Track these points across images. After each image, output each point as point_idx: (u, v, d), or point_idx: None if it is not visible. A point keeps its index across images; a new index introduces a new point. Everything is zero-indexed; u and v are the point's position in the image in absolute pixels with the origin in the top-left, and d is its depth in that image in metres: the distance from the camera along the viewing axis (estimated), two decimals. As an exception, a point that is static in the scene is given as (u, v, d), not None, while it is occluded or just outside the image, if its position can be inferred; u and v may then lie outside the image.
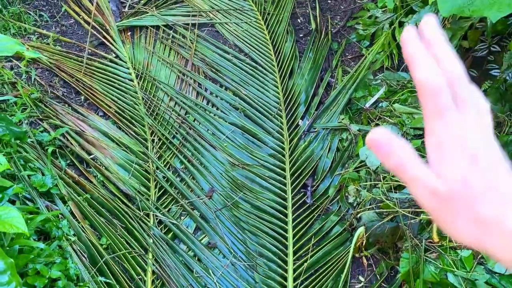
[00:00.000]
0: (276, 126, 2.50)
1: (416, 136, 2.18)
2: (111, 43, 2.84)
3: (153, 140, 2.38)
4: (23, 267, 1.51)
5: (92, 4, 2.97)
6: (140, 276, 1.86)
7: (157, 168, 2.26)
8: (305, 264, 1.97)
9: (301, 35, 3.03)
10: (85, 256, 1.82)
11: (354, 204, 2.08)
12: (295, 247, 2.03)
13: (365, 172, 2.13)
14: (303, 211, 2.16)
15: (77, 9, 2.99)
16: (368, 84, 2.59)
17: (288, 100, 2.63)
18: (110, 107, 2.48)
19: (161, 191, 2.18)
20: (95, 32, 2.87)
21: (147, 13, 3.04)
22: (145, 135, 2.39)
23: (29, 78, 2.50)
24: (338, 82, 2.70)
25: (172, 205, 2.14)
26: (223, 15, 3.10)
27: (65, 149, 2.23)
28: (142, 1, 3.12)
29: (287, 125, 2.51)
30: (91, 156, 2.24)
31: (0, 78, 2.40)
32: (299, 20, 3.14)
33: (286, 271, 1.95)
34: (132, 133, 2.38)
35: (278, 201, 2.19)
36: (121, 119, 2.43)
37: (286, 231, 2.08)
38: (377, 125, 2.30)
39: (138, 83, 2.65)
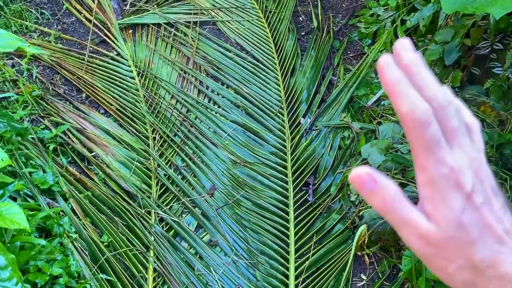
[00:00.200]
0: (277, 124, 2.49)
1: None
2: (112, 41, 2.84)
3: (154, 138, 2.37)
4: (24, 264, 1.51)
5: (94, 2, 2.97)
6: (141, 274, 1.86)
7: (159, 165, 2.25)
8: (307, 262, 1.96)
9: (303, 33, 3.03)
10: (86, 253, 1.82)
11: (356, 202, 2.07)
12: (296, 245, 2.02)
13: (367, 170, 2.13)
14: (304, 209, 2.16)
15: (78, 7, 2.98)
16: (370, 82, 2.58)
17: (290, 98, 2.62)
18: (112, 105, 2.47)
19: (163, 189, 2.18)
20: (96, 30, 2.87)
21: (149, 11, 3.03)
22: (146, 133, 2.39)
23: (30, 75, 2.50)
24: (340, 80, 2.69)
25: (174, 202, 2.13)
26: (225, 13, 3.09)
27: (66, 146, 2.22)
28: (144, -1, 3.11)
29: (288, 123, 2.51)
30: (92, 154, 2.24)
31: (1, 75, 2.40)
32: (301, 18, 3.13)
33: (287, 269, 1.95)
34: (134, 130, 2.38)
35: (279, 199, 2.18)
36: (122, 117, 2.43)
37: (287, 229, 2.08)
38: (379, 123, 2.30)
39: (140, 81, 2.64)
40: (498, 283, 0.32)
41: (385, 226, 1.86)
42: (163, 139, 2.37)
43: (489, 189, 0.33)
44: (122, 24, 2.92)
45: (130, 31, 2.93)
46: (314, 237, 2.05)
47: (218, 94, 2.62)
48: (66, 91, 2.52)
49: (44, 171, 1.99)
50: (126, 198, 2.09)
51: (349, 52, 2.90)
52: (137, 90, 2.59)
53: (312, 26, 3.06)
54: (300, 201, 2.19)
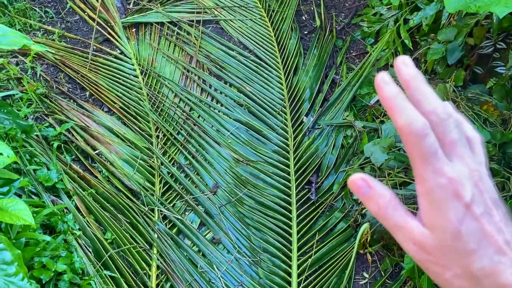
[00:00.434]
0: (280, 123, 2.50)
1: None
2: (116, 40, 2.85)
3: (157, 136, 2.38)
4: (29, 260, 1.52)
5: (97, 1, 2.98)
6: (144, 271, 1.87)
7: (162, 163, 2.26)
8: (309, 260, 1.97)
9: (305, 32, 3.03)
10: (90, 250, 1.83)
11: (359, 201, 2.08)
12: (299, 243, 2.03)
13: (370, 169, 2.13)
14: (307, 208, 2.16)
15: (82, 5, 3.00)
16: (373, 81, 2.58)
17: (293, 97, 2.63)
18: (115, 103, 2.48)
19: (166, 187, 2.19)
20: (100, 29, 2.88)
21: (152, 9, 3.04)
22: (149, 131, 2.40)
23: (34, 73, 2.51)
24: (342, 79, 2.70)
25: (177, 200, 2.14)
26: (228, 12, 3.10)
27: (70, 144, 2.23)
28: (147, -2, 3.12)
29: (291, 121, 2.51)
30: (96, 152, 2.25)
31: (6, 73, 2.41)
32: (303, 17, 3.14)
33: (290, 266, 1.95)
34: (137, 129, 2.39)
35: (282, 197, 2.19)
36: (126, 115, 2.44)
37: (290, 227, 2.08)
38: (382, 122, 2.30)
39: (143, 79, 2.65)
40: None
41: (387, 224, 1.86)
42: (166, 137, 2.38)
43: (489, 200, 0.33)
44: (125, 23, 2.94)
45: (134, 29, 2.94)
46: (317, 235, 2.06)
47: (221, 92, 2.63)
48: (70, 89, 2.53)
49: (48, 169, 2.00)
50: (130, 196, 2.10)
51: (351, 51, 2.90)
52: (141, 88, 2.60)
53: (315, 25, 3.06)
54: (303, 199, 2.19)
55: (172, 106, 2.52)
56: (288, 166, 2.32)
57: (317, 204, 2.17)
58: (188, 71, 2.73)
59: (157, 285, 1.85)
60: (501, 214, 0.33)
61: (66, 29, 2.88)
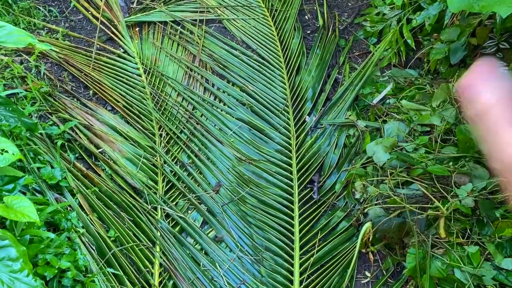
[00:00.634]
0: (283, 122, 2.51)
1: (423, 132, 2.18)
2: (119, 39, 2.86)
3: (160, 135, 2.39)
4: (34, 257, 1.53)
5: (101, 0, 2.99)
6: (147, 269, 1.88)
7: (165, 162, 2.27)
8: (311, 258, 1.97)
9: (308, 32, 3.04)
10: (94, 248, 1.84)
11: (361, 200, 2.08)
12: (301, 242, 2.03)
13: (372, 168, 2.14)
14: (309, 207, 2.17)
15: (86, 4, 3.01)
16: (376, 80, 2.59)
17: (295, 96, 2.64)
18: (118, 102, 2.49)
19: (169, 185, 2.20)
20: (103, 28, 2.89)
21: (155, 8, 3.06)
22: (153, 130, 2.41)
23: (38, 72, 2.53)
24: (345, 78, 2.70)
25: (180, 199, 2.15)
26: (231, 12, 3.11)
27: (74, 142, 2.25)
28: (150, -3, 3.13)
29: (294, 121, 2.52)
30: (100, 150, 2.26)
31: (10, 72, 2.42)
32: (306, 16, 3.14)
33: (292, 265, 1.96)
34: (140, 127, 2.40)
35: (284, 196, 2.20)
36: (129, 114, 2.45)
37: (292, 226, 2.09)
38: (384, 121, 2.31)
39: (146, 78, 2.66)
40: None
41: (389, 223, 1.87)
42: (169, 136, 2.39)
43: None
44: (129, 22, 2.95)
45: (137, 28, 2.96)
46: (319, 234, 2.06)
47: (224, 92, 2.64)
48: (74, 88, 2.55)
49: (52, 167, 2.01)
50: (133, 194, 2.11)
51: (354, 51, 2.91)
52: (144, 87, 2.61)
53: (318, 25, 3.06)
54: (305, 198, 2.20)
55: (175, 105, 2.53)
56: (290, 165, 2.32)
57: (319, 203, 2.18)
58: (191, 70, 2.74)
59: (160, 282, 1.86)
60: None
61: (70, 28, 2.89)
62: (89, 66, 2.63)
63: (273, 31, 3.01)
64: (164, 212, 2.08)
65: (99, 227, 1.92)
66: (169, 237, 1.98)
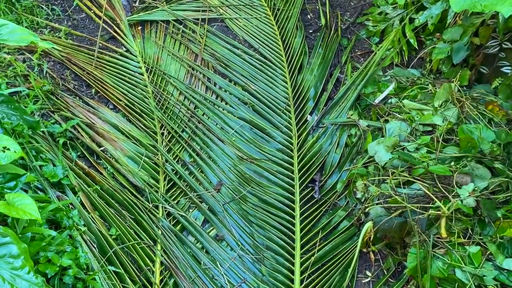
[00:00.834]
0: (284, 121, 2.51)
1: (425, 132, 2.18)
2: (121, 37, 2.87)
3: (162, 134, 2.40)
4: (35, 254, 1.53)
5: (104, -1, 3.00)
6: (148, 267, 1.88)
7: (166, 161, 2.28)
8: (312, 258, 1.97)
9: (310, 31, 3.03)
10: (95, 246, 1.85)
11: (362, 199, 2.08)
12: (302, 241, 2.03)
13: (374, 168, 2.13)
14: (310, 206, 2.17)
15: (88, 3, 3.02)
16: (378, 80, 2.58)
17: (297, 95, 2.63)
18: (120, 100, 2.50)
19: (170, 184, 2.20)
20: (106, 26, 2.90)
21: (158, 7, 3.06)
22: (154, 129, 2.41)
23: (41, 71, 2.53)
24: (347, 78, 2.70)
25: (181, 197, 2.16)
26: (233, 11, 3.11)
27: (76, 141, 2.25)
28: (153, -4, 3.14)
29: (295, 120, 2.52)
30: (101, 148, 2.26)
31: (13, 70, 2.43)
32: (308, 16, 3.14)
33: (293, 264, 1.96)
34: (142, 126, 2.40)
35: (285, 195, 2.20)
36: (131, 112, 2.45)
37: (293, 225, 2.09)
38: (386, 121, 2.30)
39: (148, 77, 2.67)
40: None
41: (390, 223, 1.87)
42: (171, 134, 2.40)
43: None
44: (131, 21, 2.95)
45: (139, 27, 2.96)
46: (320, 234, 2.06)
47: (225, 91, 2.64)
48: (76, 86, 2.56)
49: (54, 165, 2.02)
50: (134, 193, 2.12)
51: (356, 50, 2.90)
52: (146, 86, 2.62)
53: (320, 24, 3.06)
54: (306, 197, 2.20)
55: (177, 104, 2.54)
56: (292, 164, 2.32)
57: (320, 203, 2.18)
58: (193, 69, 2.74)
59: (161, 281, 1.86)
60: None
61: (72, 27, 2.90)
62: (92, 65, 2.64)
63: (275, 30, 3.01)
64: (166, 211, 2.08)
65: (100, 225, 1.93)
66: (170, 236, 1.99)
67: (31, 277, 1.17)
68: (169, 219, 2.06)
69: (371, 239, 1.93)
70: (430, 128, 2.18)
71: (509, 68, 2.25)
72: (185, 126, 2.44)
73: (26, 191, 1.82)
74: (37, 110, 2.29)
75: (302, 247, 2.02)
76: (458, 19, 2.43)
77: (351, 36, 2.98)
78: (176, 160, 2.30)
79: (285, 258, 1.98)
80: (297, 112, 2.56)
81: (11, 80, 2.40)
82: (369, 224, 1.91)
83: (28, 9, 2.87)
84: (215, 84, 2.67)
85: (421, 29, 2.70)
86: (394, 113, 2.31)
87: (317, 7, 3.17)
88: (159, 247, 1.95)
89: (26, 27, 2.77)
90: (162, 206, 2.09)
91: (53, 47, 2.59)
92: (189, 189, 2.18)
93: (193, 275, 1.88)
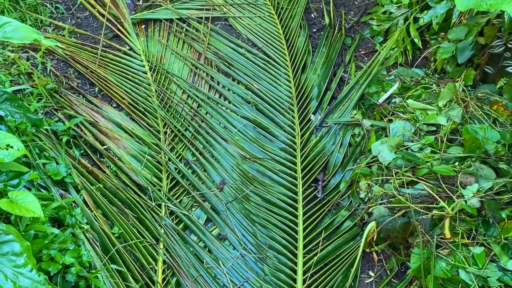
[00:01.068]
0: (287, 121, 2.50)
1: (429, 132, 2.16)
2: (125, 36, 2.87)
3: (165, 132, 2.40)
4: (38, 252, 1.54)
5: (107, -3, 3.00)
6: (151, 265, 1.88)
7: (169, 159, 2.27)
8: (315, 257, 1.97)
9: (314, 30, 3.03)
10: (97, 244, 1.85)
11: (365, 199, 2.07)
12: (305, 241, 2.03)
13: (377, 168, 2.12)
14: (313, 205, 2.16)
15: (92, 1, 3.02)
16: (382, 79, 2.57)
17: (300, 94, 2.63)
18: (124, 99, 2.50)
19: (173, 183, 2.20)
20: (109, 25, 2.90)
21: (161, 6, 3.06)
22: (157, 127, 2.41)
23: (44, 69, 2.54)
24: (351, 77, 2.69)
25: (184, 196, 2.15)
26: (237, 9, 3.10)
27: (79, 139, 2.26)
28: (157, -5, 3.14)
29: (299, 119, 2.51)
30: (105, 147, 2.27)
31: (16, 68, 2.44)
32: (312, 15, 3.13)
33: (295, 264, 1.96)
34: (145, 124, 2.40)
35: (288, 194, 2.19)
36: (134, 111, 2.45)
37: (296, 224, 2.09)
38: (390, 121, 2.29)
39: (152, 75, 2.67)
40: None
41: (394, 223, 1.86)
42: (174, 133, 2.40)
43: None
44: (135, 19, 2.95)
45: (143, 26, 2.96)
46: (323, 233, 2.05)
47: (229, 89, 2.63)
48: (79, 85, 2.56)
49: (57, 163, 2.02)
50: (137, 191, 2.12)
51: (360, 50, 2.89)
52: (149, 84, 2.61)
53: (324, 23, 3.05)
54: (309, 197, 2.19)
55: (180, 102, 2.53)
56: (295, 164, 2.32)
57: (323, 202, 2.17)
58: (196, 68, 2.74)
59: (163, 279, 1.86)
60: None
61: (76, 25, 2.91)
62: (95, 63, 2.64)
63: (279, 29, 3.00)
64: (168, 209, 2.08)
65: (103, 224, 1.93)
66: (173, 235, 1.98)
67: (33, 275, 1.17)
68: (172, 217, 2.06)
69: (374, 239, 1.93)
70: (434, 128, 2.17)
71: (514, 68, 2.24)
72: (188, 125, 2.44)
73: (29, 189, 1.82)
74: (40, 108, 2.29)
75: (304, 246, 2.01)
76: (463, 19, 2.41)
77: (355, 35, 2.97)
78: (179, 158, 2.30)
79: (287, 258, 1.97)
80: (300, 111, 2.55)
81: (15, 78, 2.41)
82: (372, 224, 1.90)
83: (32, 7, 2.87)
84: (218, 83, 2.66)
85: (425, 29, 2.69)
86: (398, 113, 2.29)
87: (321, 6, 3.16)
88: (161, 246, 1.95)
89: (30, 25, 2.78)
90: (165, 205, 2.09)
91: (56, 45, 2.61)
92: (192, 188, 2.17)
93: (195, 274, 1.88)
